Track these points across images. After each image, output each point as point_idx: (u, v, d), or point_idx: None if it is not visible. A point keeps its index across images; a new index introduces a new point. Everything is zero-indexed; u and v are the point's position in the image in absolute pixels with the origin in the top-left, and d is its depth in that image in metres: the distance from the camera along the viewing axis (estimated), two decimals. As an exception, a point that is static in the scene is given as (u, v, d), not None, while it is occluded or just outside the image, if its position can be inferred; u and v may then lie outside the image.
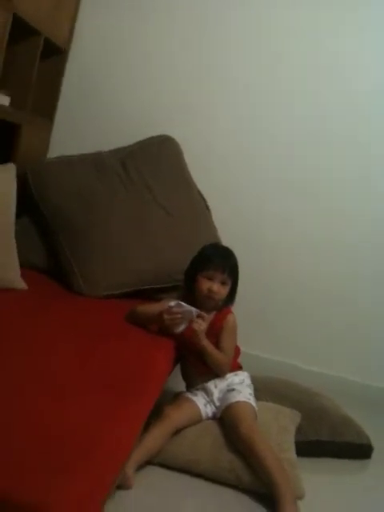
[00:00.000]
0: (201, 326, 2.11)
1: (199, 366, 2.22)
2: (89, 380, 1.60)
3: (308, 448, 2.31)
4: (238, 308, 2.33)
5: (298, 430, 2.30)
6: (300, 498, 1.97)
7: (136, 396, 1.64)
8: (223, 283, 2.22)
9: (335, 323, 3.10)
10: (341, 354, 3.13)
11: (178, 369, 2.34)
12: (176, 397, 2.23)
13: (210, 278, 2.20)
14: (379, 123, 2.89)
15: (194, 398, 2.18)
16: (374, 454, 2.47)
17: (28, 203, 2.59)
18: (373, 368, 3.13)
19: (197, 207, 2.66)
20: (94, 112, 2.96)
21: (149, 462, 1.97)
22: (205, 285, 2.20)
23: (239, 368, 2.32)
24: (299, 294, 3.09)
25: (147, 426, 1.94)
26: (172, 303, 2.11)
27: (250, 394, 2.21)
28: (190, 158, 2.80)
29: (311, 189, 2.98)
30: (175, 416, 2.05)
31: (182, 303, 2.11)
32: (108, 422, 1.39)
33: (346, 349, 3.12)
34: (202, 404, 2.17)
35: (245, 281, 2.38)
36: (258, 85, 2.93)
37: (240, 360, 2.36)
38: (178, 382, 2.35)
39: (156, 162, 2.64)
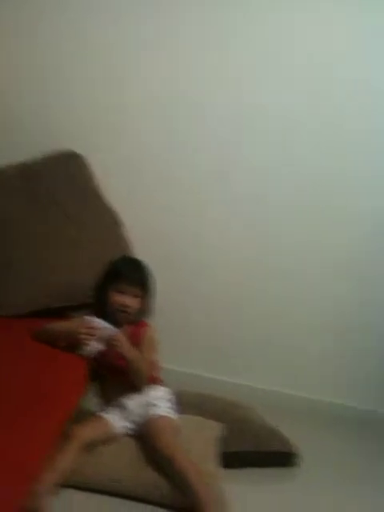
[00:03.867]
0: (121, 340, 2.05)
1: (117, 383, 2.15)
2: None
3: (233, 459, 2.26)
4: (157, 323, 2.28)
5: (222, 441, 2.24)
6: (224, 509, 1.91)
7: (41, 416, 1.54)
8: (135, 296, 2.17)
9: (257, 334, 3.09)
10: (264, 365, 3.11)
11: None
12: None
13: (122, 292, 2.14)
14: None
15: (106, 415, 2.10)
16: (303, 463, 2.44)
17: None
18: (295, 378, 3.13)
19: (108, 221, 2.59)
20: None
21: (64, 486, 1.85)
22: (116, 298, 2.14)
23: (159, 382, 2.25)
24: (220, 307, 3.05)
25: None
26: (92, 319, 2.07)
27: (170, 407, 2.15)
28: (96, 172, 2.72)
29: (233, 201, 2.93)
30: (80, 432, 1.94)
31: (98, 320, 2.06)
32: (6, 445, 1.28)
33: (269, 360, 3.11)
34: (116, 420, 2.09)
35: (161, 295, 2.34)
36: (167, 90, 2.80)
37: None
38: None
39: (63, 178, 2.55)
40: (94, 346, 2.06)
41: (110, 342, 2.05)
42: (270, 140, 2.86)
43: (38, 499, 1.69)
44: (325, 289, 3.02)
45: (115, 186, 2.75)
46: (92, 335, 2.04)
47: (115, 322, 2.13)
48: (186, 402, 2.36)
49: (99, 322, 2.06)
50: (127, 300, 2.15)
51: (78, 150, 2.69)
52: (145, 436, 2.04)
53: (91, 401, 2.25)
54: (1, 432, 1.33)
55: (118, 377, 2.13)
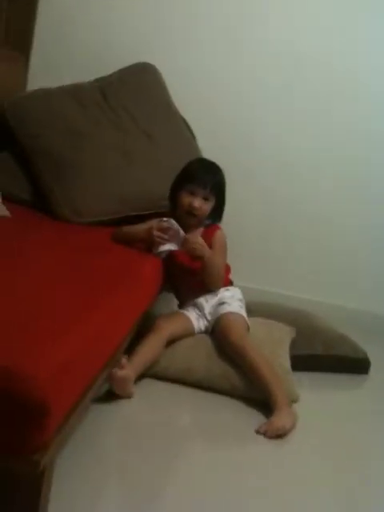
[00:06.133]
0: (198, 241, 2.06)
1: (191, 283, 2.20)
2: (66, 288, 1.51)
3: (302, 363, 2.29)
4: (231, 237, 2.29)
5: (293, 344, 2.27)
6: (295, 401, 1.97)
7: (119, 305, 1.58)
8: (205, 199, 2.16)
9: (328, 250, 3.08)
10: (335, 281, 3.11)
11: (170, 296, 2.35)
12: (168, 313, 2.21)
13: (192, 193, 2.15)
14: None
15: (187, 313, 2.17)
16: (372, 372, 2.45)
17: (7, 137, 2.53)
18: (367, 294, 3.11)
19: (181, 133, 2.60)
20: (71, 44, 2.84)
21: (143, 375, 1.96)
22: (186, 199, 2.15)
23: (230, 284, 2.29)
24: (293, 222, 3.04)
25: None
26: (164, 219, 2.09)
27: (241, 306, 2.20)
28: (173, 87, 2.71)
29: (312, 116, 2.92)
30: (167, 326, 2.04)
31: (173, 221, 2.08)
32: (92, 323, 1.35)
33: (341, 277, 3.10)
34: (195, 318, 2.17)
35: (237, 210, 2.34)
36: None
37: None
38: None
39: (136, 90, 2.58)
40: (167, 247, 2.09)
41: (186, 244, 2.06)
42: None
43: (123, 384, 1.79)
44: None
45: (187, 97, 2.75)
46: (165, 235, 2.07)
47: (184, 225, 2.14)
48: (255, 310, 2.39)
49: (173, 224, 2.09)
50: (196, 202, 2.13)
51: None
52: (217, 332, 2.10)
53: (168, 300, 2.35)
54: (87, 313, 1.39)
55: (190, 277, 2.18)
